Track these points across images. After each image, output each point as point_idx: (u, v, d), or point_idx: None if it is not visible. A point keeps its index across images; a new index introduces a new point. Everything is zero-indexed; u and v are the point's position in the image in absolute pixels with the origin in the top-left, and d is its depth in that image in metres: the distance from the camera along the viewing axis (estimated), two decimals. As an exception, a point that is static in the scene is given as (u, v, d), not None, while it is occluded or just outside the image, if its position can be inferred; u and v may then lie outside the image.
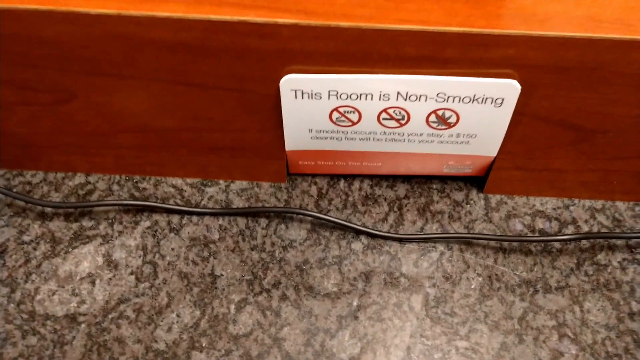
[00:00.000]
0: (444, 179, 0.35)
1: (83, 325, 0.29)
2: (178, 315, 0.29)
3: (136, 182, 0.34)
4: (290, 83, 0.28)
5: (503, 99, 0.28)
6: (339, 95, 0.28)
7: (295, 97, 0.29)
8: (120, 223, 0.32)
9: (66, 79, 0.29)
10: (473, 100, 0.28)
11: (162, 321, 0.29)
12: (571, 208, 0.34)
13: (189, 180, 0.35)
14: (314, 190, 0.34)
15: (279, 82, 0.28)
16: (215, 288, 0.30)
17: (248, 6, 0.26)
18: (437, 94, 0.28)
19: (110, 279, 0.30)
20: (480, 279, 0.31)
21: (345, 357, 0.28)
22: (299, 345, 0.28)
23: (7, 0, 0.26)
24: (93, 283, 0.30)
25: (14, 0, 0.26)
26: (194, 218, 0.33)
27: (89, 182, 0.34)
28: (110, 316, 0.29)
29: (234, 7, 0.26)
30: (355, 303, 0.30)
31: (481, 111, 0.29)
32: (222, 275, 0.31)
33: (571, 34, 0.26)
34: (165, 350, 0.28)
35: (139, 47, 0.27)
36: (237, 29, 0.26)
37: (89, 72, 0.29)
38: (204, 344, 0.28)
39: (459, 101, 0.28)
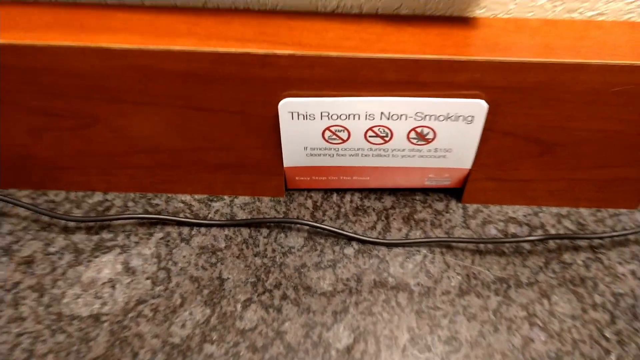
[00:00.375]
0: (425, 191, 0.39)
1: (105, 324, 0.32)
2: (190, 314, 0.32)
3: (149, 198, 0.38)
4: (287, 106, 0.32)
5: (473, 117, 0.32)
6: (330, 116, 0.32)
7: (292, 118, 0.33)
8: (136, 235, 0.36)
9: (90, 106, 0.33)
10: (447, 118, 0.32)
11: (176, 319, 0.32)
12: (540, 215, 0.38)
13: (196, 196, 0.38)
14: (309, 203, 0.38)
15: (278, 105, 0.32)
16: (223, 289, 0.33)
17: (250, 40, 0.30)
18: (416, 113, 0.32)
19: (128, 283, 0.34)
20: (459, 277, 0.34)
21: (340, 347, 0.31)
22: (299, 337, 0.31)
23: (40, 37, 0.30)
24: (113, 287, 0.33)
25: (45, 37, 0.30)
26: (202, 229, 0.36)
27: (107, 200, 0.38)
28: (130, 315, 0.32)
29: (238, 41, 0.30)
30: (348, 300, 0.33)
31: (455, 128, 0.33)
32: (228, 278, 0.34)
33: (529, 59, 0.30)
34: (180, 343, 0.31)
35: (155, 77, 0.31)
36: (241, 60, 0.30)
37: (110, 99, 0.33)
38: (214, 338, 0.31)
39: (435, 119, 0.32)
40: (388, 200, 0.38)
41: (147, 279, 0.34)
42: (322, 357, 0.31)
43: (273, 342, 0.31)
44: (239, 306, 0.33)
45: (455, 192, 0.39)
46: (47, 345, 0.31)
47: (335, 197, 0.38)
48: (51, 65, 0.31)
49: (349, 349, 0.31)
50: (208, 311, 0.32)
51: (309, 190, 0.39)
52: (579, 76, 0.30)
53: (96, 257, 0.35)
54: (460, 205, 0.38)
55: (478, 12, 0.32)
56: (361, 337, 0.32)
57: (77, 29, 0.30)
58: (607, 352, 0.31)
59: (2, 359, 0.30)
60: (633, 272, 0.35)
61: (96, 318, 0.32)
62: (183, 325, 0.32)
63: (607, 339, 0.32)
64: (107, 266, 0.34)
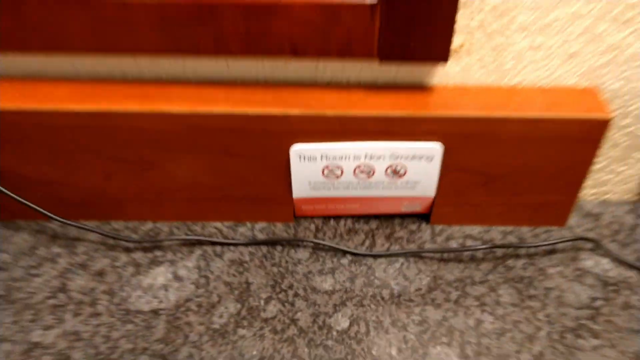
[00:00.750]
0: (402, 216, 0.50)
1: (162, 316, 0.42)
2: (226, 308, 0.42)
3: (189, 225, 0.48)
4: (297, 151, 0.43)
5: (432, 156, 0.43)
6: (327, 158, 0.43)
7: (300, 160, 0.44)
8: (181, 252, 0.46)
9: (149, 154, 0.44)
10: (413, 158, 0.43)
11: (215, 311, 0.42)
12: (490, 232, 0.49)
13: (225, 223, 0.49)
14: (312, 226, 0.49)
15: (290, 150, 0.43)
16: (249, 290, 0.44)
17: (270, 104, 0.41)
18: (390, 155, 0.43)
19: (178, 287, 0.44)
20: (428, 278, 0.45)
21: (339, 328, 0.41)
22: (308, 322, 0.41)
23: (116, 105, 0.41)
24: (167, 290, 0.43)
25: (119, 105, 0.41)
26: (232, 247, 0.47)
27: (157, 227, 0.48)
28: (180, 309, 0.42)
29: (261, 105, 0.41)
30: (344, 296, 0.43)
31: (420, 165, 0.44)
32: (253, 282, 0.44)
33: (471, 115, 0.41)
34: (219, 328, 0.41)
35: (199, 132, 0.42)
36: (263, 119, 0.41)
37: (165, 149, 0.44)
38: (245, 324, 0.41)
39: (405, 159, 0.43)
40: (373, 223, 0.49)
41: (192, 284, 0.44)
42: (326, 336, 0.41)
43: (289, 326, 0.41)
44: (262, 302, 0.43)
45: (425, 216, 0.50)
46: (119, 332, 0.41)
47: (332, 221, 0.49)
48: (124, 125, 0.42)
49: (346, 330, 0.41)
50: (239, 306, 0.42)
51: (312, 217, 0.49)
52: (507, 126, 0.42)
53: (152, 269, 0.45)
54: (429, 226, 0.49)
55: (433, 82, 0.43)
56: (355, 321, 0.42)
57: (141, 98, 0.42)
58: (539, 328, 0.42)
59: (86, 343, 0.40)
60: (560, 272, 0.45)
61: (155, 312, 0.42)
62: (221, 316, 0.42)
63: (538, 320, 0.42)
64: (160, 275, 0.44)
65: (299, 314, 0.42)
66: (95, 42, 0.39)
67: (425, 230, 0.49)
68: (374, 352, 0.40)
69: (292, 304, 0.43)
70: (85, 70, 0.43)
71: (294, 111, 0.41)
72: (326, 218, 0.49)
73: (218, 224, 0.49)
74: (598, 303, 0.44)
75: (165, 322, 0.41)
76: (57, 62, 0.42)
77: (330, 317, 0.42)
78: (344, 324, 0.42)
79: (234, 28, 0.38)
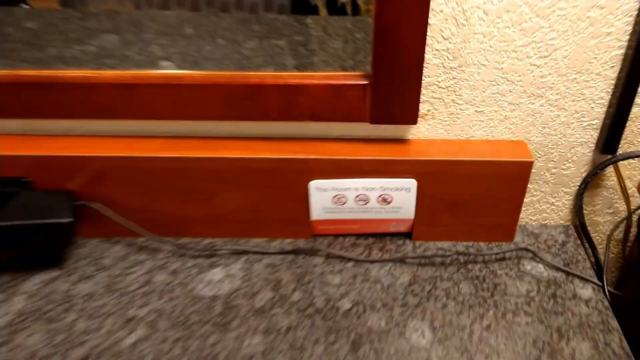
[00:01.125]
0: (391, 234, 0.67)
1: (220, 300, 0.59)
2: (264, 295, 0.59)
3: (236, 240, 0.66)
4: (314, 185, 0.60)
5: (410, 188, 0.61)
6: (335, 189, 0.61)
7: (316, 191, 0.61)
8: (231, 259, 0.63)
9: (211, 187, 0.62)
10: (397, 190, 0.61)
11: (256, 297, 0.59)
12: (456, 245, 0.65)
13: (263, 239, 0.66)
14: (325, 241, 0.66)
15: (309, 184, 0.61)
16: (280, 284, 0.60)
17: (295, 151, 0.59)
18: (380, 187, 0.61)
19: (229, 281, 0.61)
20: (409, 276, 0.61)
21: (344, 309, 0.58)
22: (322, 304, 0.58)
23: (187, 152, 0.59)
24: (222, 283, 0.60)
25: (191, 152, 0.59)
26: (267, 256, 0.64)
27: (213, 242, 0.66)
28: (232, 295, 0.59)
29: (290, 152, 0.59)
30: (349, 288, 0.60)
31: (402, 195, 0.61)
32: (283, 278, 0.61)
33: (438, 159, 0.59)
34: (262, 306, 0.58)
35: (247, 171, 0.60)
36: (291, 161, 0.59)
37: (223, 184, 0.61)
38: (277, 305, 0.58)
39: (391, 190, 0.61)
40: (370, 239, 0.66)
41: (239, 279, 0.61)
42: (334, 314, 0.57)
43: (309, 307, 0.58)
44: (290, 290, 0.60)
45: (408, 234, 0.66)
46: (190, 310, 0.58)
47: (340, 238, 0.66)
48: (195, 166, 0.60)
49: (349, 310, 0.58)
50: (273, 293, 0.59)
51: (325, 235, 0.67)
52: (462, 166, 0.59)
53: (210, 269, 0.62)
54: (411, 241, 0.66)
55: (409, 136, 0.61)
56: (355, 304, 0.58)
57: (208, 147, 0.60)
58: (487, 310, 0.58)
59: (167, 316, 0.57)
60: (506, 273, 0.62)
61: (214, 297, 0.59)
62: (261, 299, 0.59)
63: (488, 305, 0.58)
64: (217, 274, 0.62)
65: (315, 299, 0.59)
66: (179, 112, 0.58)
67: (408, 244, 0.65)
68: (368, 324, 0.56)
69: (311, 293, 0.59)
70: (170, 129, 0.61)
71: (313, 156, 0.59)
72: (335, 235, 0.66)
73: (257, 239, 0.66)
74: (532, 294, 0.60)
75: (222, 303, 0.58)
76: (151, 125, 0.61)
77: (338, 301, 0.58)
78: (348, 305, 0.58)
79: (273, 102, 0.56)
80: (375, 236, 0.66)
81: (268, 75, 0.56)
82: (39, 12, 1.06)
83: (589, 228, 0.67)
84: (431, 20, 0.53)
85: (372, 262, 0.63)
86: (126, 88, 0.58)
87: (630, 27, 0.52)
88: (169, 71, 0.58)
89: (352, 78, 0.55)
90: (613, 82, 0.56)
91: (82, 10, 1.23)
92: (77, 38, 0.86)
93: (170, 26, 0.91)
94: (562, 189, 0.65)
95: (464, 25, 0.53)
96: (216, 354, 0.53)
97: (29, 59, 0.67)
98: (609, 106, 0.58)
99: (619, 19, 0.52)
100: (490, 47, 0.54)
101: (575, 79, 0.56)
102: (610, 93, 0.57)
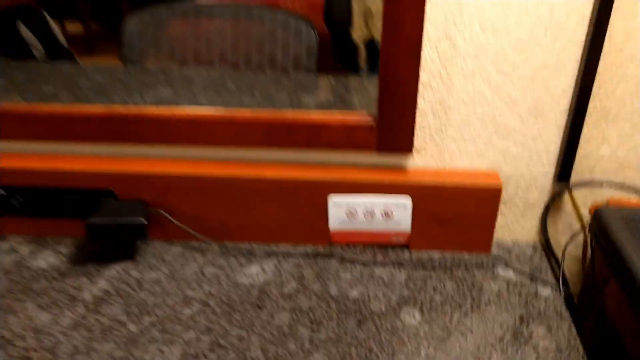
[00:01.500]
0: (393, 245, 0.82)
1: (255, 287, 0.74)
2: (291, 285, 0.75)
3: (270, 244, 0.82)
4: (332, 201, 0.77)
5: (407, 205, 0.77)
6: (348, 205, 0.77)
7: (333, 206, 0.78)
8: (264, 258, 0.79)
9: (251, 201, 0.79)
10: (397, 206, 0.77)
11: (285, 287, 0.74)
12: (444, 254, 0.81)
13: (290, 244, 0.82)
14: (340, 248, 0.82)
15: (328, 200, 0.77)
16: (304, 277, 0.76)
17: (318, 173, 0.76)
18: (383, 204, 0.77)
19: (263, 275, 0.76)
20: (405, 275, 0.77)
21: (352, 296, 0.73)
22: (337, 293, 0.73)
23: (237, 171, 0.76)
24: (257, 276, 0.76)
25: (241, 171, 0.77)
26: (293, 257, 0.80)
27: (251, 244, 0.82)
28: (266, 285, 0.75)
29: (314, 174, 0.76)
30: (357, 282, 0.75)
31: (400, 211, 0.77)
32: (305, 274, 0.77)
33: (428, 183, 0.75)
34: (289, 292, 0.73)
35: (281, 189, 0.77)
36: (315, 182, 0.76)
37: (261, 199, 0.78)
38: (300, 292, 0.73)
39: (392, 206, 0.77)
40: (376, 248, 0.82)
41: (272, 273, 0.77)
42: (345, 300, 0.72)
43: (325, 294, 0.73)
44: (311, 283, 0.75)
45: (407, 246, 0.82)
46: (233, 293, 0.73)
47: (352, 246, 0.82)
48: (240, 184, 0.77)
49: (357, 298, 0.73)
50: (298, 284, 0.75)
51: (340, 243, 0.82)
52: (447, 190, 0.75)
53: (248, 266, 0.78)
54: (408, 250, 0.81)
55: (407, 165, 0.78)
56: (361, 293, 0.73)
57: (249, 168, 0.77)
58: (465, 300, 0.73)
59: (215, 297, 0.73)
60: (483, 276, 0.77)
61: (251, 285, 0.75)
62: (288, 288, 0.74)
63: (466, 297, 0.73)
64: (253, 269, 0.78)
65: (331, 289, 0.74)
66: (229, 141, 0.76)
67: (406, 252, 0.81)
68: (370, 308, 0.71)
69: (327, 285, 0.75)
70: (220, 155, 0.79)
71: (331, 178, 0.76)
72: (348, 244, 0.82)
73: (286, 245, 0.82)
74: (502, 291, 0.74)
75: (257, 289, 0.74)
76: (207, 151, 0.79)
77: (349, 290, 0.74)
78: (355, 294, 0.73)
79: (302, 135, 0.74)
80: (380, 247, 0.82)
81: (299, 114, 0.74)
82: (105, 68, 1.27)
83: (552, 244, 0.82)
84: (422, 75, 0.70)
85: (376, 264, 0.79)
86: (190, 123, 0.76)
87: (573, 82, 0.70)
88: (224, 110, 0.76)
89: (363, 118, 0.73)
90: (563, 125, 0.73)
91: (139, 67, 1.46)
92: (139, 89, 1.06)
93: (215, 81, 1.12)
94: (529, 212, 0.81)
95: (447, 81, 0.71)
96: (253, 325, 0.68)
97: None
98: (562, 144, 0.74)
99: (566, 76, 0.69)
100: (468, 98, 0.72)
101: (534, 123, 0.73)
102: (561, 134, 0.74)
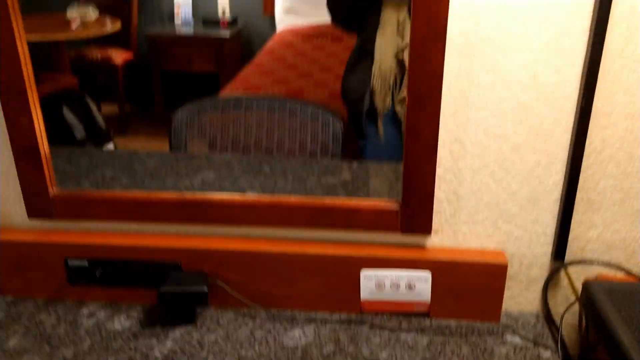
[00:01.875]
0: (415, 314, 0.95)
1: (299, 349, 0.87)
2: (330, 346, 0.87)
3: (308, 312, 0.95)
4: (364, 274, 0.90)
5: (427, 279, 0.90)
6: (377, 278, 0.90)
7: (365, 279, 0.91)
8: (304, 323, 0.92)
9: (289, 275, 0.92)
10: (418, 279, 0.90)
11: (324, 348, 0.87)
12: (461, 322, 0.93)
13: (326, 311, 0.95)
14: (370, 316, 0.94)
15: (360, 273, 0.90)
16: (339, 340, 0.88)
17: (352, 251, 0.90)
18: (407, 277, 0.90)
19: (305, 337, 0.89)
20: (427, 340, 0.89)
21: (382, 357, 0.85)
22: (369, 356, 0.85)
23: (281, 248, 0.90)
24: (300, 338, 0.89)
25: (283, 248, 0.91)
26: (330, 323, 0.92)
27: (293, 311, 0.95)
28: (308, 349, 0.87)
29: (348, 251, 0.90)
30: (385, 345, 0.87)
31: (421, 283, 0.90)
32: (341, 338, 0.89)
33: (445, 259, 0.89)
34: (327, 354, 0.85)
35: (319, 263, 0.91)
36: (349, 257, 0.90)
37: (303, 271, 0.92)
38: (338, 353, 0.85)
39: (414, 279, 0.90)
40: (401, 316, 0.94)
41: (311, 336, 0.89)
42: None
43: (358, 356, 0.85)
44: (345, 345, 0.87)
45: (427, 314, 0.94)
46: (280, 353, 0.86)
47: (380, 314, 0.95)
48: (283, 259, 0.91)
49: (386, 358, 0.85)
50: (335, 346, 0.87)
51: (370, 311, 0.95)
52: (461, 266, 0.89)
53: (292, 329, 0.91)
54: (429, 318, 0.94)
55: (427, 244, 0.92)
56: (390, 355, 0.85)
57: (291, 245, 0.91)
58: (478, 362, 0.84)
59: (265, 357, 0.85)
60: (493, 341, 0.88)
61: (295, 347, 0.87)
62: (326, 350, 0.86)
63: (479, 358, 0.85)
64: (296, 332, 0.90)
65: (363, 351, 0.86)
66: (276, 221, 0.90)
67: (427, 320, 0.93)
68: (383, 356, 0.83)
69: (360, 347, 0.87)
70: (268, 233, 0.94)
71: (363, 254, 0.90)
72: (377, 313, 0.95)
73: (323, 312, 0.95)
74: (510, 354, 0.86)
75: (301, 350, 0.86)
76: (257, 230, 0.93)
77: (378, 354, 0.86)
78: (385, 355, 0.85)
79: (339, 218, 0.89)
80: (405, 315, 0.95)
81: (337, 200, 0.89)
82: (155, 153, 1.45)
83: (552, 313, 0.94)
84: (438, 170, 0.86)
85: (401, 330, 0.91)
86: (245, 207, 0.91)
87: (562, 177, 0.84)
88: (274, 197, 0.91)
89: (390, 204, 0.88)
90: (557, 212, 0.87)
91: (185, 154, 1.65)
92: (187, 173, 1.23)
93: (252, 166, 1.29)
94: (532, 285, 0.94)
95: (459, 175, 0.86)
96: (299, 378, 0.80)
97: (151, 187, 1.02)
98: (556, 228, 0.88)
99: (556, 172, 0.84)
100: (476, 189, 0.87)
101: (532, 210, 0.87)
102: (556, 220, 0.88)
